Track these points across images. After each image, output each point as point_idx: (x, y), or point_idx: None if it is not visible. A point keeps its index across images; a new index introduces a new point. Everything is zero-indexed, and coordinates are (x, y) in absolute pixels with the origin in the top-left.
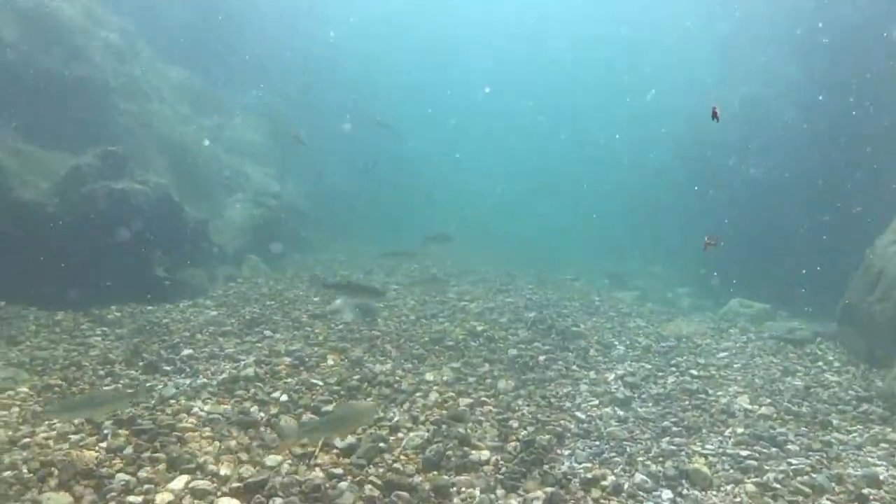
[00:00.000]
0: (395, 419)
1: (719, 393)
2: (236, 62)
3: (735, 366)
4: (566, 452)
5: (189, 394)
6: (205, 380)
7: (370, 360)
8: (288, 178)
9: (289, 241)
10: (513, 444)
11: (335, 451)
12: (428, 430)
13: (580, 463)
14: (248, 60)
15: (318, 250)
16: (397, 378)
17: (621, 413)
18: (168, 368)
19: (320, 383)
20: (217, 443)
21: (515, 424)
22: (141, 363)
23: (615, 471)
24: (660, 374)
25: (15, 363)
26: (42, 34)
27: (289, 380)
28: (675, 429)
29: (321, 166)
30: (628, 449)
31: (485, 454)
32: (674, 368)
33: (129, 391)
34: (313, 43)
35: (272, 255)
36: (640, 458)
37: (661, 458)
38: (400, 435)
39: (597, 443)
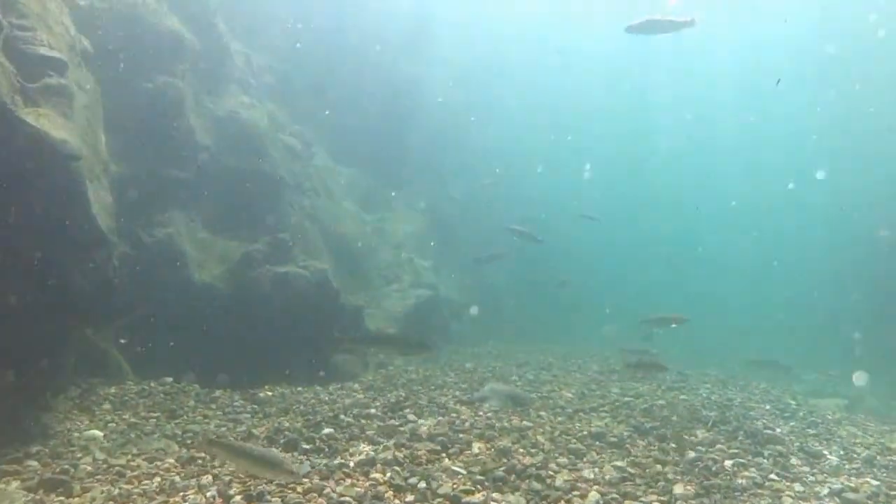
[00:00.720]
0: None
1: None
2: (406, 161)
3: None
4: None
5: (324, 473)
6: (341, 460)
7: (519, 452)
8: (443, 271)
9: (442, 332)
10: None
11: None
12: None
13: None
14: (417, 160)
15: (471, 345)
16: (550, 473)
17: None
18: (307, 447)
19: (463, 472)
20: None
21: None
22: (282, 440)
23: None
24: (893, 492)
25: (169, 435)
26: (232, 137)
27: (429, 465)
28: None
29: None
30: None
31: None
32: None
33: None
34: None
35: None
36: None
37: None
38: None
39: None
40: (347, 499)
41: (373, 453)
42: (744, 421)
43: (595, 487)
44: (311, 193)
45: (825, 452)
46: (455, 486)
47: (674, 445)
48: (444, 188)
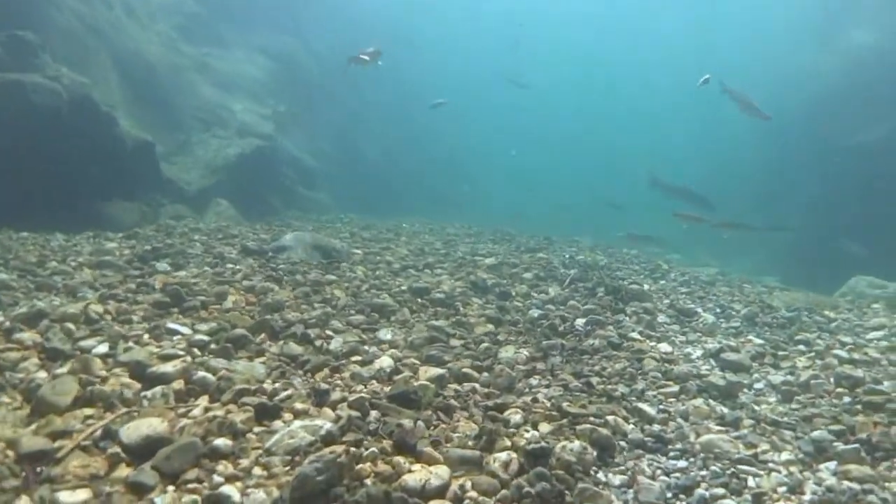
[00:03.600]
0: (286, 393)
1: None
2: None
3: None
4: (615, 482)
5: None
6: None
7: (296, 308)
8: (295, 130)
9: (284, 196)
10: (504, 458)
11: None
12: (337, 421)
13: None
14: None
15: (322, 213)
16: (328, 333)
17: (724, 410)
18: None
19: (184, 331)
20: None
21: (518, 418)
22: None
23: None
24: (781, 353)
25: None
26: None
27: (142, 324)
28: (840, 445)
29: (352, 133)
30: (752, 483)
31: (435, 483)
32: (803, 347)
33: None
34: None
35: (252, 204)
36: None
37: None
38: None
39: (681, 463)
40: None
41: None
42: (606, 279)
43: (391, 351)
44: (101, 4)
45: (699, 310)
46: (157, 350)
47: (518, 303)
48: (303, 39)
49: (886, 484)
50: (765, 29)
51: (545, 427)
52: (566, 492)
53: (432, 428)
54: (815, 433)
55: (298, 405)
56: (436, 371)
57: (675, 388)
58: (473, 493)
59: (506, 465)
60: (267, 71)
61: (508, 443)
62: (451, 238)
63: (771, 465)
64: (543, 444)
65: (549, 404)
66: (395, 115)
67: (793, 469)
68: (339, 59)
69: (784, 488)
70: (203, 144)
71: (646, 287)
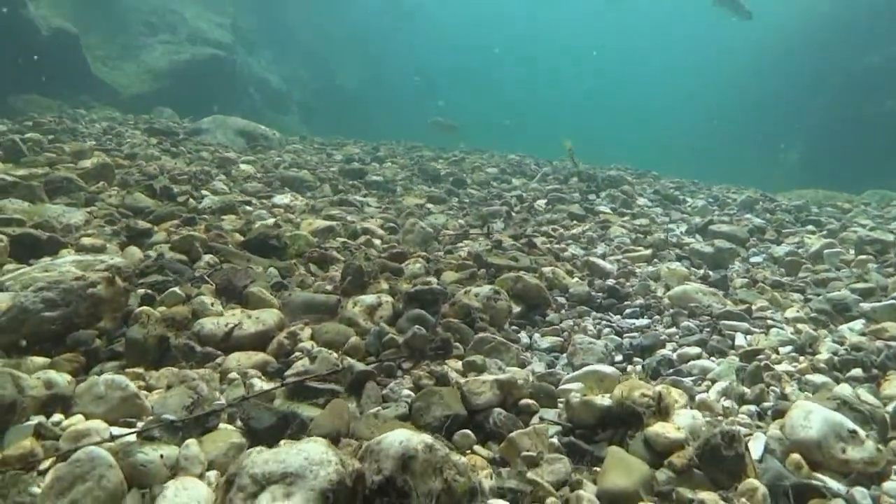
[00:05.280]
0: (85, 233)
1: None
2: None
3: None
4: (543, 343)
5: None
6: None
7: (181, 173)
8: (263, 49)
9: (246, 114)
10: (370, 302)
11: None
12: (141, 262)
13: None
14: None
15: (286, 134)
16: (204, 192)
17: (710, 273)
18: None
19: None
20: None
21: (417, 267)
22: None
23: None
24: (786, 230)
25: None
26: None
27: None
28: (867, 305)
29: (332, 63)
30: (742, 341)
31: (250, 329)
32: (813, 227)
33: None
34: None
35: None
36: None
37: None
38: None
39: (641, 322)
40: None
41: None
42: (583, 170)
43: (283, 214)
44: None
45: (688, 199)
46: None
47: (473, 191)
48: None
49: None
50: None
51: (450, 276)
52: (457, 344)
53: (292, 276)
54: (834, 293)
55: (91, 242)
56: (323, 223)
57: (647, 253)
58: (308, 344)
59: (371, 309)
60: None
61: (385, 286)
62: (415, 146)
63: (770, 322)
64: (435, 286)
65: (465, 255)
66: (379, 38)
67: (801, 327)
68: None
69: (789, 348)
70: (148, 49)
71: (630, 178)
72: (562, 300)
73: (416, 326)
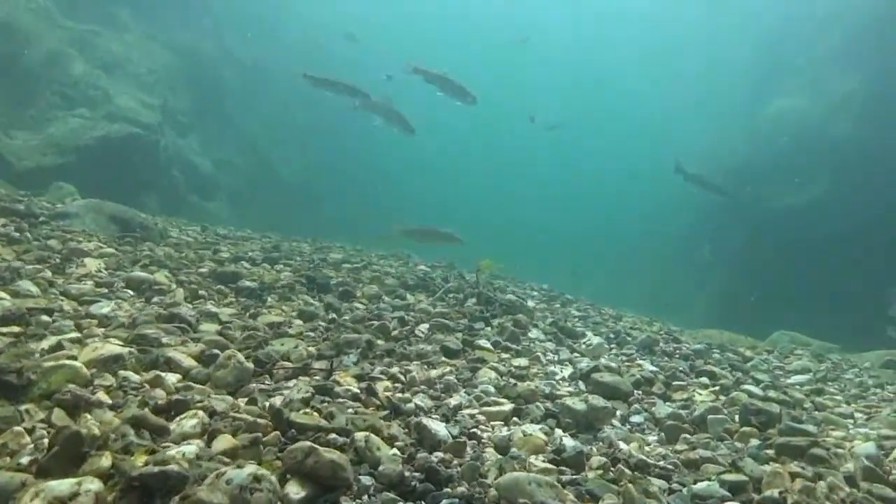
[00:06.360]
0: None
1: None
2: None
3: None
4: None
5: None
6: None
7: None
8: (194, 133)
9: (167, 200)
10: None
11: None
12: None
13: None
14: None
15: (209, 222)
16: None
17: (569, 442)
18: None
19: None
20: None
21: (187, 426)
22: None
23: None
24: (676, 382)
25: None
26: None
27: None
28: None
29: (269, 149)
30: None
31: None
32: (706, 380)
33: None
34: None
35: (115, 200)
36: None
37: None
38: None
39: None
40: None
41: None
42: (485, 291)
43: (91, 329)
44: None
45: (587, 333)
46: None
47: (359, 305)
48: (222, 43)
49: None
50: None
51: (221, 443)
52: None
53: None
54: (699, 485)
55: None
56: (115, 350)
57: (507, 408)
58: None
59: None
60: (164, 63)
61: (107, 462)
62: (325, 246)
63: None
64: (171, 468)
65: (264, 410)
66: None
67: None
68: (263, 71)
69: None
70: (59, 122)
71: (531, 304)
72: (367, 481)
73: None
